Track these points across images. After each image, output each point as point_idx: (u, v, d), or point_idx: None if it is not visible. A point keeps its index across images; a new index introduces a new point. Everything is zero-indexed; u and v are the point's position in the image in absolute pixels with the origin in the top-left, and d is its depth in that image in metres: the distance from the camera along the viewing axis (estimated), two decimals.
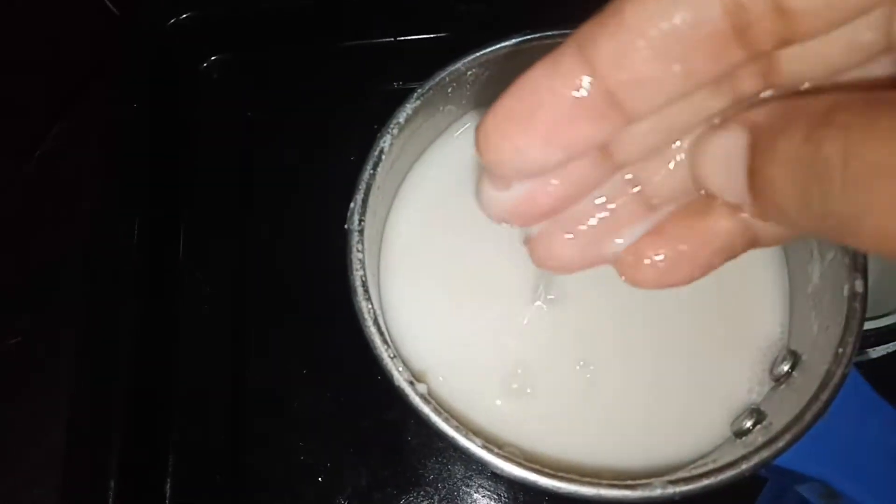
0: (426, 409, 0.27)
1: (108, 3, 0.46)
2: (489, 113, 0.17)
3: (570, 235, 0.20)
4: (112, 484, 0.36)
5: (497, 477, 0.38)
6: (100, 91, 0.49)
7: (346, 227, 0.30)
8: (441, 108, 0.34)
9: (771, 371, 0.32)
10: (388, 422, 0.40)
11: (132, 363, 0.40)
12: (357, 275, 0.29)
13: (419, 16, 0.47)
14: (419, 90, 0.32)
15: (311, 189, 0.45)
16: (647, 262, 0.19)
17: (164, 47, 0.46)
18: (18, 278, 0.46)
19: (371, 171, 0.31)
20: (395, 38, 0.47)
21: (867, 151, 0.13)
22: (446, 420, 0.27)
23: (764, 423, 0.30)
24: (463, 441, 0.26)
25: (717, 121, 0.18)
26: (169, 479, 0.40)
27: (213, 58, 0.49)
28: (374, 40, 0.47)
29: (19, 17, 0.46)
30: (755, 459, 0.26)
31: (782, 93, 0.17)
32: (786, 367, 0.31)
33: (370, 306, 0.29)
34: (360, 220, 0.30)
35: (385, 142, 0.31)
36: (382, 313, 0.33)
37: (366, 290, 0.29)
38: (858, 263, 0.28)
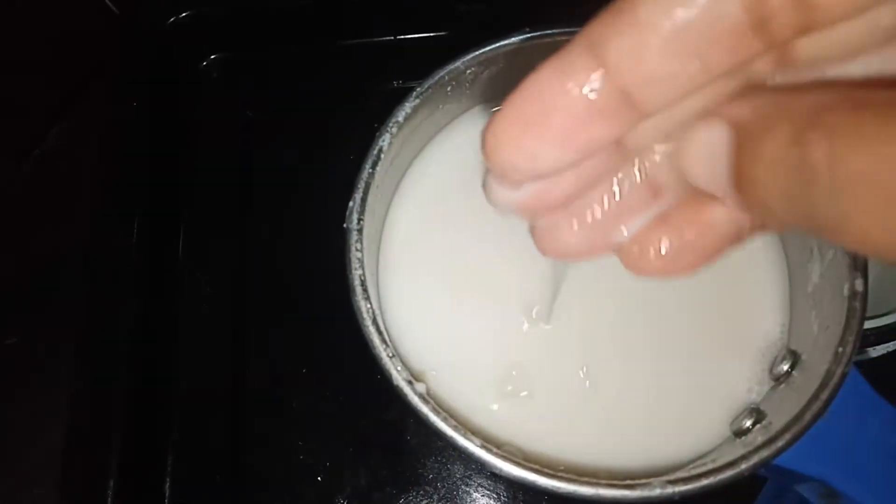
0: (425, 409, 0.27)
1: (107, 2, 0.46)
2: (497, 116, 0.16)
3: (576, 224, 0.19)
4: (111, 483, 0.36)
5: (496, 476, 0.38)
6: (100, 91, 0.49)
7: (344, 226, 0.30)
8: (440, 107, 0.34)
9: (771, 370, 0.32)
10: (387, 421, 0.40)
11: (132, 363, 0.40)
12: (356, 274, 0.29)
13: (419, 15, 0.46)
14: (418, 89, 0.32)
15: (310, 188, 0.45)
16: (651, 251, 0.19)
17: (163, 46, 0.46)
18: (18, 278, 0.46)
19: (370, 170, 0.31)
20: (394, 37, 0.47)
21: (853, 158, 0.12)
22: (445, 419, 0.27)
23: (763, 422, 0.30)
24: (461, 441, 0.26)
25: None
26: (168, 479, 0.40)
27: (212, 57, 0.49)
28: (374, 39, 0.48)
29: (19, 17, 0.46)
30: (755, 459, 0.26)
31: (792, 78, 0.16)
32: (785, 367, 0.31)
33: (369, 305, 0.29)
34: (359, 219, 0.30)
35: (384, 141, 0.31)
36: (381, 312, 0.33)
37: (364, 290, 0.29)
38: (858, 262, 0.28)
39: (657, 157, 0.18)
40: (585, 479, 0.26)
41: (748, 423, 0.30)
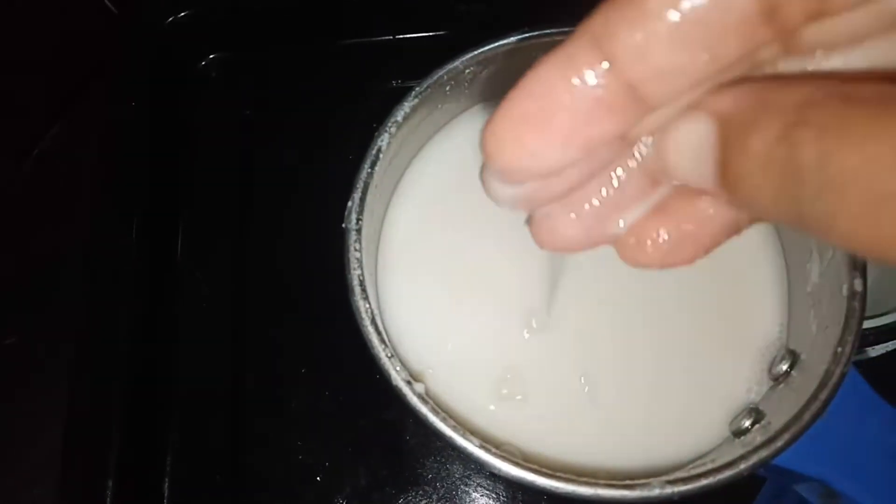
0: (424, 409, 0.27)
1: (106, 2, 0.46)
2: (497, 115, 0.16)
3: (573, 215, 0.19)
4: (110, 484, 0.36)
5: (495, 476, 0.38)
6: (99, 91, 0.49)
7: (343, 226, 0.30)
8: (439, 107, 0.34)
9: (770, 370, 0.32)
10: (386, 421, 0.40)
11: (131, 363, 0.40)
12: (355, 274, 0.29)
13: (418, 14, 0.47)
14: (417, 89, 0.32)
15: (310, 188, 0.45)
16: (649, 242, 0.18)
17: (162, 46, 0.46)
18: (18, 278, 0.46)
19: (369, 170, 0.31)
20: (393, 37, 0.47)
21: (842, 157, 0.12)
22: (444, 420, 0.27)
23: (763, 422, 0.30)
24: (460, 441, 0.26)
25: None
26: (167, 479, 0.40)
27: (211, 56, 0.49)
28: (373, 39, 0.48)
29: (19, 17, 0.46)
30: (754, 459, 0.26)
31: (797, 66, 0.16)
32: (785, 367, 0.31)
33: (368, 306, 0.29)
34: (358, 219, 0.30)
35: (383, 140, 0.31)
36: (380, 312, 0.33)
37: (363, 290, 0.29)
38: (858, 262, 0.28)
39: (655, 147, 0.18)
40: (584, 479, 0.26)
41: (747, 423, 0.30)
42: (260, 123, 0.48)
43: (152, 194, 0.44)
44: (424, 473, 0.39)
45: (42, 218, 0.47)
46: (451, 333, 0.33)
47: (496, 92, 0.36)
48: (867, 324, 0.33)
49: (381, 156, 0.31)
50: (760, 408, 0.31)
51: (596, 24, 0.15)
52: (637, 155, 0.18)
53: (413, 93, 0.32)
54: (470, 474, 0.39)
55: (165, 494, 0.40)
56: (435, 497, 0.38)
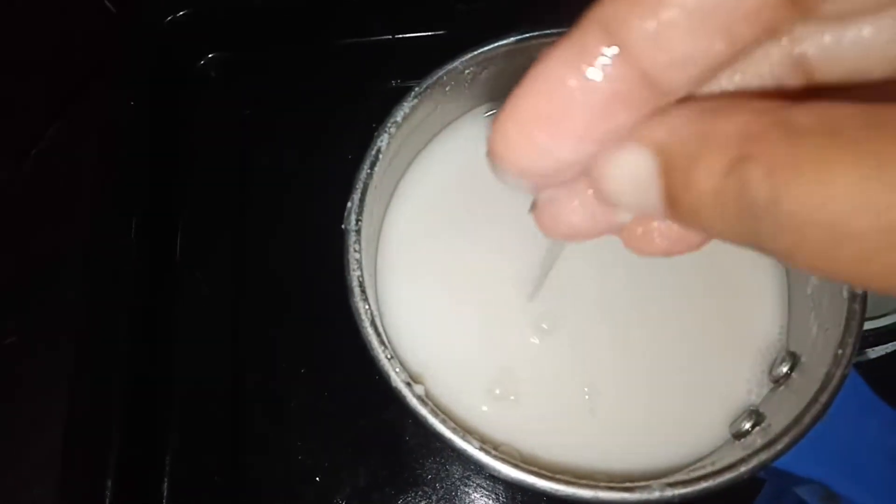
0: (423, 411, 0.27)
1: (106, 1, 0.46)
2: (506, 114, 0.15)
3: (578, 202, 0.18)
4: (110, 484, 0.36)
5: (495, 477, 0.38)
6: (99, 90, 0.49)
7: (342, 227, 0.30)
8: (439, 107, 0.34)
9: (770, 372, 0.32)
10: (386, 422, 0.40)
11: (131, 363, 0.40)
12: (354, 275, 0.29)
13: (418, 14, 0.46)
14: (417, 89, 0.32)
15: (309, 188, 0.45)
16: (656, 232, 0.18)
17: (161, 45, 0.46)
18: (18, 278, 0.46)
19: (368, 171, 0.31)
20: (393, 37, 0.47)
21: (794, 198, 0.12)
22: (443, 421, 0.27)
23: (763, 424, 0.30)
24: (460, 443, 0.26)
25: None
26: (167, 479, 0.40)
27: (210, 56, 0.49)
28: (373, 38, 0.47)
29: (19, 17, 0.46)
30: (754, 462, 0.26)
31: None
32: (785, 369, 0.31)
33: (367, 307, 0.29)
34: (357, 220, 0.30)
35: (382, 141, 0.31)
36: (380, 313, 0.33)
37: (363, 291, 0.29)
38: None
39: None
40: (584, 481, 0.26)
41: (747, 426, 0.30)
42: (259, 123, 0.48)
43: (152, 194, 0.44)
44: (424, 474, 0.39)
45: (42, 218, 0.47)
46: (450, 334, 0.33)
47: (496, 92, 0.36)
48: (867, 325, 0.33)
49: (380, 156, 0.31)
50: (761, 410, 0.31)
51: (606, 11, 0.14)
52: None
53: (413, 93, 0.32)
54: (469, 475, 0.39)
55: (165, 494, 0.40)
56: (434, 498, 0.38)
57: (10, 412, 0.42)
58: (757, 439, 0.28)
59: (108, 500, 0.36)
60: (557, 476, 0.26)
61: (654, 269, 0.34)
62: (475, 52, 0.32)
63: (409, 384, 0.27)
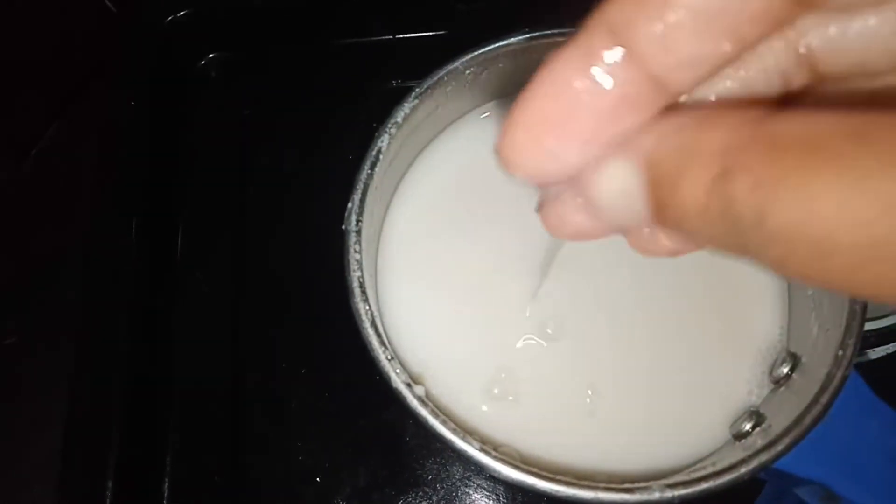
0: (424, 412, 0.27)
1: (106, 1, 0.46)
2: (514, 119, 0.15)
3: (582, 200, 0.18)
4: (110, 484, 0.36)
5: (495, 478, 0.38)
6: (99, 91, 0.49)
7: (343, 227, 0.30)
8: (439, 107, 0.34)
9: (770, 373, 0.32)
10: (386, 422, 0.40)
11: (131, 363, 0.39)
12: (354, 276, 0.29)
13: (418, 14, 0.46)
14: (417, 89, 0.32)
15: (310, 188, 0.45)
16: (663, 234, 0.17)
17: (162, 45, 0.46)
18: (18, 278, 0.46)
19: (368, 171, 0.31)
20: (393, 37, 0.47)
21: (781, 213, 0.12)
22: (444, 422, 0.27)
23: (763, 425, 0.30)
24: (460, 444, 0.26)
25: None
26: (167, 480, 0.40)
27: (210, 55, 0.49)
28: (373, 38, 0.47)
29: (19, 17, 0.46)
30: (754, 463, 0.26)
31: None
32: (785, 370, 0.31)
33: (368, 308, 0.29)
34: (358, 221, 0.30)
35: (383, 141, 0.31)
36: (380, 314, 0.33)
37: (363, 292, 0.29)
38: None
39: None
40: (584, 482, 0.26)
41: (748, 426, 0.30)
42: (259, 123, 0.48)
43: (152, 194, 0.44)
44: (424, 475, 0.39)
45: (42, 218, 0.47)
46: (451, 334, 0.33)
47: (497, 93, 0.36)
48: (868, 326, 0.33)
49: (380, 157, 0.31)
50: (761, 411, 0.31)
51: (612, 14, 0.14)
52: None
53: (413, 93, 0.32)
54: (470, 475, 0.39)
55: (165, 495, 0.40)
56: (435, 498, 0.38)
57: (10, 412, 0.42)
58: (757, 440, 0.28)
59: (108, 501, 0.36)
60: (558, 477, 0.26)
61: (655, 270, 0.34)
62: (476, 53, 0.32)
63: (409, 385, 0.27)
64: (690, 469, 0.30)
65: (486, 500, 0.38)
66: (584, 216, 0.18)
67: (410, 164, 0.36)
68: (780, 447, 0.26)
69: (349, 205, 0.30)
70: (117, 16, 0.47)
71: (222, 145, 0.47)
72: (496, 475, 0.26)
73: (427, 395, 0.29)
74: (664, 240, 0.18)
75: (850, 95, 0.16)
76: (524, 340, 0.33)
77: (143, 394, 0.40)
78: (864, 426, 0.31)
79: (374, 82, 0.47)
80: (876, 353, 0.36)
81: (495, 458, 0.26)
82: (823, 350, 0.28)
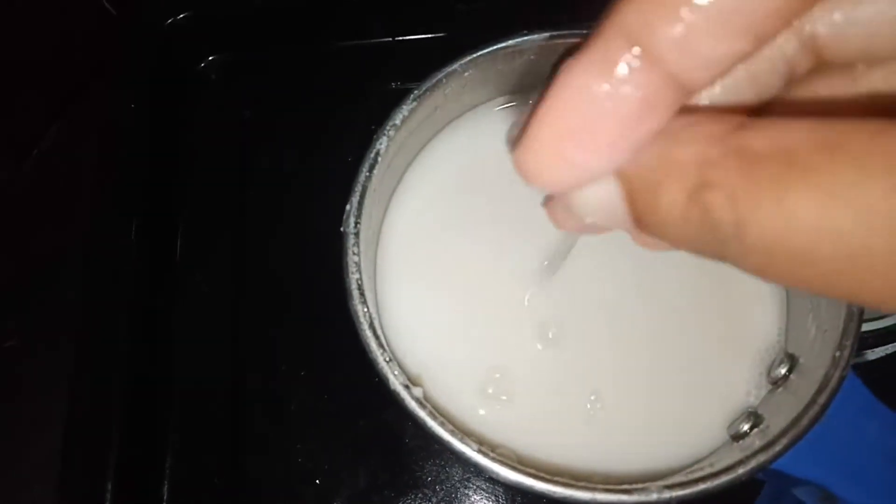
0: (422, 414, 0.27)
1: (105, 3, 0.46)
2: (534, 130, 0.15)
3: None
4: (110, 486, 0.36)
5: (494, 479, 0.38)
6: (99, 91, 0.49)
7: (341, 229, 0.30)
8: (438, 109, 0.34)
9: (769, 374, 0.32)
10: (386, 423, 0.40)
11: (131, 363, 0.40)
12: (353, 278, 0.29)
13: (417, 16, 0.46)
14: (416, 91, 0.32)
15: (309, 189, 0.45)
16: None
17: (162, 47, 0.46)
18: (18, 278, 0.46)
19: (367, 174, 0.31)
20: (393, 39, 0.47)
21: (758, 226, 0.12)
22: (442, 424, 0.27)
23: (761, 426, 0.30)
24: (458, 445, 0.26)
25: None
26: (167, 481, 0.40)
27: (210, 58, 0.49)
28: (372, 40, 0.47)
29: (19, 17, 0.46)
30: (752, 464, 0.26)
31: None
32: (783, 371, 0.31)
33: (366, 310, 0.29)
34: (356, 223, 0.30)
35: (381, 144, 0.31)
36: (379, 315, 0.33)
37: (362, 294, 0.29)
38: None
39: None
40: (582, 483, 0.26)
41: (746, 427, 0.30)
42: (259, 124, 0.48)
43: (152, 194, 0.44)
44: (424, 476, 0.39)
45: (42, 218, 0.47)
46: (450, 335, 0.33)
47: (496, 94, 0.36)
48: (866, 327, 0.33)
49: (379, 159, 0.31)
50: (759, 412, 0.31)
51: (627, 17, 0.14)
52: None
53: (412, 95, 0.32)
54: (469, 477, 0.39)
55: (165, 496, 0.40)
56: (434, 500, 0.38)
57: (10, 412, 0.42)
58: (755, 441, 0.28)
59: (108, 501, 0.36)
60: (555, 478, 0.26)
61: (654, 270, 0.34)
62: (474, 55, 0.32)
63: (407, 387, 0.28)
64: (688, 470, 0.30)
65: (486, 502, 0.38)
66: (573, 220, 0.18)
67: (409, 165, 0.36)
68: (777, 448, 0.26)
69: (347, 207, 0.30)
70: (117, 18, 0.47)
71: (222, 146, 0.47)
72: (494, 476, 0.26)
73: (425, 396, 0.29)
74: (652, 240, 0.18)
75: (849, 101, 0.16)
76: (524, 341, 0.33)
77: (143, 394, 0.40)
78: (863, 427, 0.31)
79: (373, 83, 0.47)
80: (874, 353, 0.36)
81: (493, 459, 0.26)
82: (821, 351, 0.29)
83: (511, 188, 0.34)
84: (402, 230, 0.35)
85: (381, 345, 0.28)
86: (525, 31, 0.32)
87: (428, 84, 0.32)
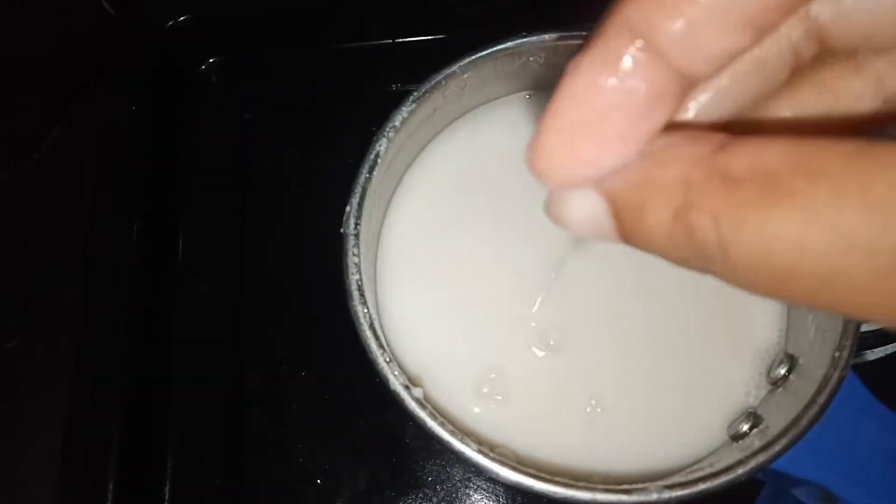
0: (421, 414, 0.27)
1: (104, 4, 0.46)
2: (546, 127, 0.15)
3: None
4: (111, 486, 0.36)
5: (495, 479, 0.38)
6: (99, 91, 0.49)
7: (341, 231, 0.30)
8: (437, 110, 0.34)
9: (768, 374, 0.32)
10: (386, 423, 0.40)
11: (131, 363, 0.40)
12: (353, 279, 0.29)
13: (417, 18, 0.46)
14: (415, 93, 0.32)
15: (309, 190, 0.45)
16: None
17: (162, 49, 0.46)
18: (18, 278, 0.46)
19: (367, 175, 0.31)
20: (393, 40, 0.47)
21: (742, 245, 0.13)
22: (441, 424, 0.27)
23: (761, 426, 0.30)
24: (458, 445, 0.26)
25: None
26: (168, 481, 0.40)
27: (211, 60, 0.49)
28: (372, 42, 0.48)
29: (19, 17, 0.46)
30: (752, 464, 0.26)
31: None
32: (783, 371, 0.31)
33: (366, 311, 0.29)
34: (356, 224, 0.30)
35: (381, 145, 0.31)
36: (379, 315, 0.33)
37: (361, 295, 0.29)
38: None
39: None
40: (581, 483, 0.26)
41: (745, 428, 0.30)
42: (259, 126, 0.48)
43: (152, 195, 0.44)
44: (424, 476, 0.39)
45: (42, 218, 0.48)
46: (450, 336, 0.33)
47: (496, 94, 0.36)
48: (866, 327, 0.33)
49: (378, 161, 0.31)
50: (759, 412, 0.31)
51: (631, 13, 0.14)
52: None
53: (411, 97, 0.32)
54: (470, 477, 0.39)
55: (166, 496, 0.40)
56: (435, 500, 0.38)
57: (10, 412, 0.43)
58: (755, 441, 0.28)
59: (108, 501, 0.36)
60: (555, 478, 0.26)
61: (654, 271, 0.34)
62: (473, 57, 0.32)
63: (407, 387, 0.28)
64: (688, 470, 0.30)
65: (486, 502, 0.38)
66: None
67: (409, 166, 0.36)
68: (777, 448, 0.26)
69: (347, 209, 0.30)
70: (116, 19, 0.47)
71: (222, 146, 0.47)
72: (494, 476, 0.26)
73: (425, 396, 0.29)
74: None
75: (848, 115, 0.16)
76: (524, 342, 0.33)
77: (143, 394, 0.40)
78: (862, 427, 0.31)
79: (373, 84, 0.47)
80: (874, 354, 0.36)
81: (493, 459, 0.26)
82: (820, 351, 0.29)
83: (511, 189, 0.34)
84: (402, 231, 0.35)
85: (381, 345, 0.28)
86: (524, 33, 0.32)
87: (427, 86, 0.32)
